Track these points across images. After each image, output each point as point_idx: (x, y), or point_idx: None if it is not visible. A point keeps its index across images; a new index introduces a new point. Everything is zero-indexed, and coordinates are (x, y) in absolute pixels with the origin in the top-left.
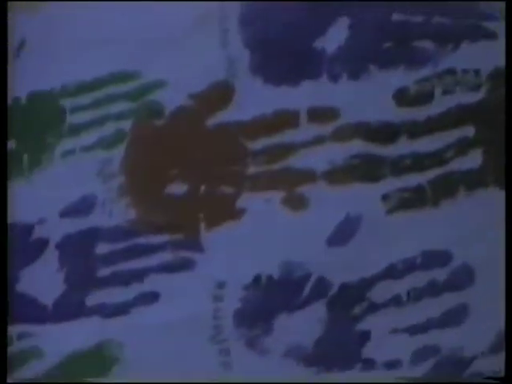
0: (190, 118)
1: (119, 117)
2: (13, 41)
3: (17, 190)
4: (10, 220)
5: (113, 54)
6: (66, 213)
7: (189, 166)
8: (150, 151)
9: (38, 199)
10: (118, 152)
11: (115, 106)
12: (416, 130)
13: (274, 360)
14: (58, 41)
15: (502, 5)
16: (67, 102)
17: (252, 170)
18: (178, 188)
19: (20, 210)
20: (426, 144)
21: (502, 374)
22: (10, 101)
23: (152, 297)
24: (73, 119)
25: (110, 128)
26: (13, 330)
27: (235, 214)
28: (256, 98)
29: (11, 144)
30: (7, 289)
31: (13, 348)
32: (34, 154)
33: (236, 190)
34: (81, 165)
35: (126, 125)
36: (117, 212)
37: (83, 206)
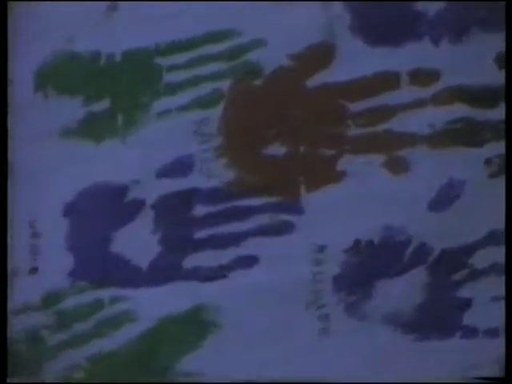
0: (290, 79)
1: (216, 76)
2: None
3: (111, 149)
4: (103, 179)
5: (209, 12)
6: (163, 173)
7: (288, 126)
8: (248, 111)
9: (132, 159)
10: (216, 112)
11: (212, 65)
12: None
13: (372, 326)
14: None
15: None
16: (163, 61)
17: (352, 131)
18: (276, 149)
19: (114, 170)
20: None
21: (503, 374)
22: (103, 58)
23: (250, 260)
24: (169, 78)
25: (206, 87)
26: (105, 293)
27: (336, 176)
28: (357, 59)
29: (105, 103)
30: (6, 289)
31: (105, 312)
32: (129, 113)
33: (336, 152)
34: (177, 124)
35: (224, 84)
36: (214, 173)
37: (180, 167)
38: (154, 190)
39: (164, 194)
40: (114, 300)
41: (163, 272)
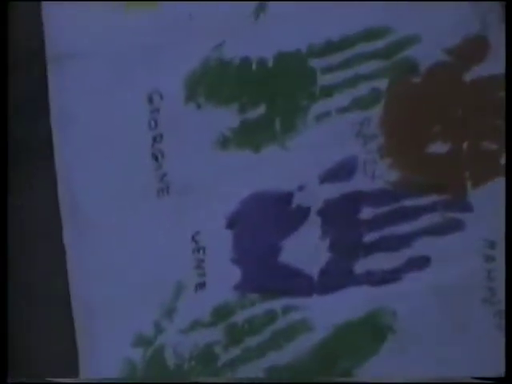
0: (447, 74)
1: (373, 76)
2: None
3: (270, 156)
4: (266, 188)
5: (360, 10)
6: (326, 178)
7: (449, 123)
8: (409, 110)
9: (294, 165)
10: (376, 112)
11: (368, 64)
12: None
13: None
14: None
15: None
16: (316, 62)
17: None
18: (440, 146)
19: (277, 178)
20: None
21: (503, 374)
22: (254, 64)
23: (422, 261)
24: (324, 80)
25: (364, 88)
26: (277, 303)
27: (501, 170)
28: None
29: (261, 109)
30: (7, 286)
31: (279, 323)
32: (286, 118)
33: (500, 145)
34: (338, 127)
35: (382, 84)
36: (379, 174)
37: (344, 170)
38: (319, 195)
39: (329, 198)
40: (287, 310)
41: (335, 278)
